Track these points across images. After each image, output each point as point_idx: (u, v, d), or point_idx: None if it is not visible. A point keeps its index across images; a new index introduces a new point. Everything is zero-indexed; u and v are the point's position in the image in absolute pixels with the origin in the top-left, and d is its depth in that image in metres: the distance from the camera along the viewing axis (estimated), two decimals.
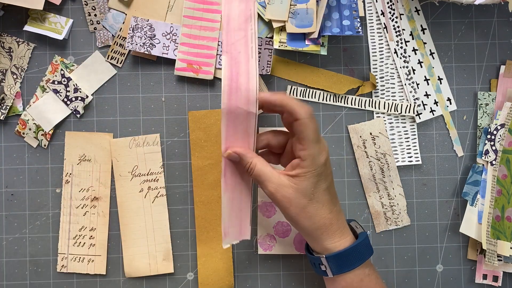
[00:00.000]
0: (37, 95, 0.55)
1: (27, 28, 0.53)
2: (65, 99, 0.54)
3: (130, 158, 0.54)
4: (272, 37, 0.54)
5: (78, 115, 0.55)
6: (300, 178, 0.42)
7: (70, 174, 0.54)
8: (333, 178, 0.45)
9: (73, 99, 0.54)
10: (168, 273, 0.55)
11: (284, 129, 0.46)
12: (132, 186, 0.54)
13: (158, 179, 0.55)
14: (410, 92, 0.55)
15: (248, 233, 0.46)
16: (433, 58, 0.56)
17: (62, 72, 0.54)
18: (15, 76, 0.55)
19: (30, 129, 0.55)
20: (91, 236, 0.54)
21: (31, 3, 0.52)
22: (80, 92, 0.54)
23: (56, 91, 0.54)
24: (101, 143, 0.54)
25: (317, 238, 0.44)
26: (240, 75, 0.43)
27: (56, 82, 0.54)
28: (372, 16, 0.56)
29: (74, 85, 0.54)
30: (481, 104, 0.56)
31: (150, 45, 0.54)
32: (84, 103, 0.54)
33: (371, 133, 0.55)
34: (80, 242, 0.54)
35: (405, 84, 0.55)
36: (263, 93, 0.43)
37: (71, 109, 0.55)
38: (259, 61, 0.54)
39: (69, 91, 0.54)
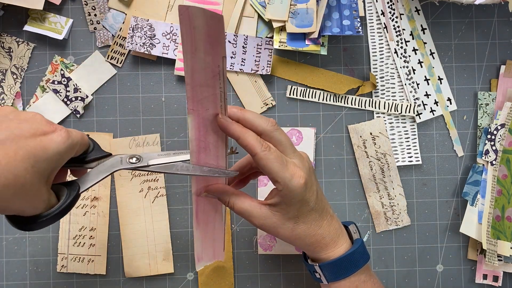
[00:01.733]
0: (37, 95, 0.55)
1: (27, 28, 0.53)
2: (65, 99, 0.54)
3: None
4: (272, 37, 0.54)
5: (78, 115, 0.55)
6: (281, 206, 0.41)
7: (70, 174, 0.54)
8: (321, 190, 0.44)
9: (73, 99, 0.54)
10: (168, 273, 0.55)
11: None
12: (132, 186, 0.54)
13: (158, 179, 0.54)
14: (410, 92, 0.55)
15: (222, 255, 0.46)
16: (433, 58, 0.56)
17: (62, 72, 0.54)
18: (15, 76, 0.55)
19: None
20: (91, 236, 0.54)
21: (31, 3, 0.52)
22: (80, 92, 0.54)
23: (56, 91, 0.54)
24: (101, 143, 0.54)
25: (311, 251, 0.44)
26: (208, 133, 0.40)
27: (56, 82, 0.54)
28: (372, 16, 0.56)
29: (74, 85, 0.54)
30: (481, 104, 0.56)
31: (150, 45, 0.54)
32: (84, 103, 0.54)
33: (371, 133, 0.55)
34: (80, 242, 0.54)
35: (405, 84, 0.55)
36: (222, 120, 0.39)
37: (71, 109, 0.55)
38: (258, 62, 0.54)
39: (69, 91, 0.54)
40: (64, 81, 0.54)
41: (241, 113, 0.41)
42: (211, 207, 0.44)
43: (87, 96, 0.55)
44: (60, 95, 0.54)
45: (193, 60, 0.37)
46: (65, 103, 0.54)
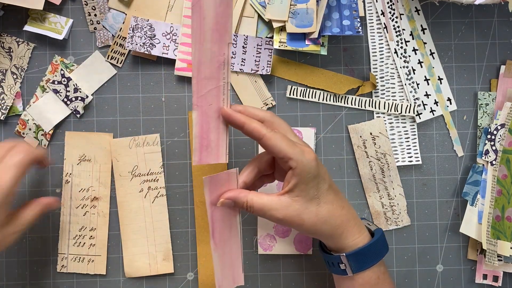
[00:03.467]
0: (37, 95, 0.55)
1: (27, 28, 0.53)
2: (65, 99, 0.54)
3: (130, 158, 0.54)
4: (272, 37, 0.54)
5: (78, 115, 0.55)
6: (299, 187, 0.41)
7: (70, 174, 0.54)
8: (330, 176, 0.45)
9: (73, 99, 0.54)
10: (168, 273, 0.55)
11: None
12: (132, 186, 0.54)
13: (158, 179, 0.54)
14: (410, 92, 0.55)
15: (242, 279, 0.45)
16: (433, 58, 0.56)
17: (62, 72, 0.54)
18: (15, 76, 0.55)
19: (30, 129, 0.55)
20: (91, 236, 0.54)
21: (31, 3, 0.52)
22: (80, 92, 0.54)
23: (56, 91, 0.54)
24: (101, 143, 0.54)
25: (338, 238, 0.43)
26: (210, 131, 0.41)
27: (56, 82, 0.54)
28: (372, 16, 0.56)
29: (74, 85, 0.54)
30: (481, 104, 0.56)
31: (150, 45, 0.54)
32: (84, 103, 0.54)
33: (371, 133, 0.55)
34: (80, 242, 0.54)
35: (405, 84, 0.55)
36: (226, 109, 0.41)
37: (71, 109, 0.55)
38: (258, 62, 0.54)
39: (69, 91, 0.54)
40: (64, 81, 0.54)
41: (242, 106, 0.43)
42: (227, 222, 0.43)
43: (87, 96, 0.55)
44: (60, 95, 0.54)
45: (200, 52, 0.39)
46: (65, 103, 0.54)
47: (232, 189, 0.43)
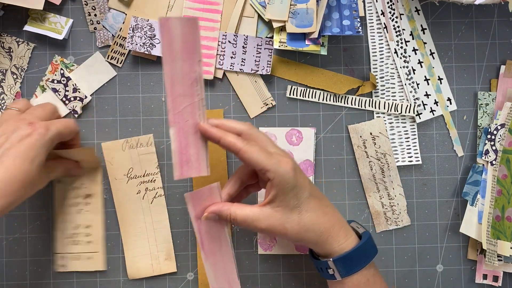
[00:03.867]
0: (36, 95, 0.55)
1: (27, 28, 0.53)
2: (64, 99, 0.54)
3: (124, 161, 0.54)
4: (272, 37, 0.54)
5: (76, 115, 0.55)
6: (279, 197, 0.41)
7: None
8: (311, 182, 0.45)
9: (72, 98, 0.54)
10: (170, 272, 0.55)
11: None
12: (128, 189, 0.54)
13: (155, 180, 0.54)
14: (410, 92, 0.55)
15: (238, 285, 0.45)
16: (433, 58, 0.56)
17: (62, 72, 0.54)
18: (15, 76, 0.55)
19: None
20: (87, 234, 0.54)
21: (31, 3, 0.52)
22: (79, 92, 0.54)
23: (55, 90, 0.54)
24: (83, 159, 0.52)
25: (324, 244, 0.43)
26: (189, 146, 0.42)
27: (55, 81, 0.54)
28: (372, 16, 0.56)
29: (73, 85, 0.54)
30: (481, 104, 0.56)
31: (150, 45, 0.54)
32: (82, 103, 0.54)
33: (371, 133, 0.55)
34: (76, 241, 0.54)
35: (405, 84, 0.55)
36: (202, 125, 0.42)
37: (69, 109, 0.55)
38: (258, 62, 0.54)
39: (68, 91, 0.54)
40: (63, 80, 0.54)
41: (218, 120, 0.44)
42: (215, 234, 0.44)
43: (86, 97, 0.55)
44: (59, 94, 0.54)
45: (172, 70, 0.41)
46: (64, 102, 0.54)
47: (216, 203, 0.43)
